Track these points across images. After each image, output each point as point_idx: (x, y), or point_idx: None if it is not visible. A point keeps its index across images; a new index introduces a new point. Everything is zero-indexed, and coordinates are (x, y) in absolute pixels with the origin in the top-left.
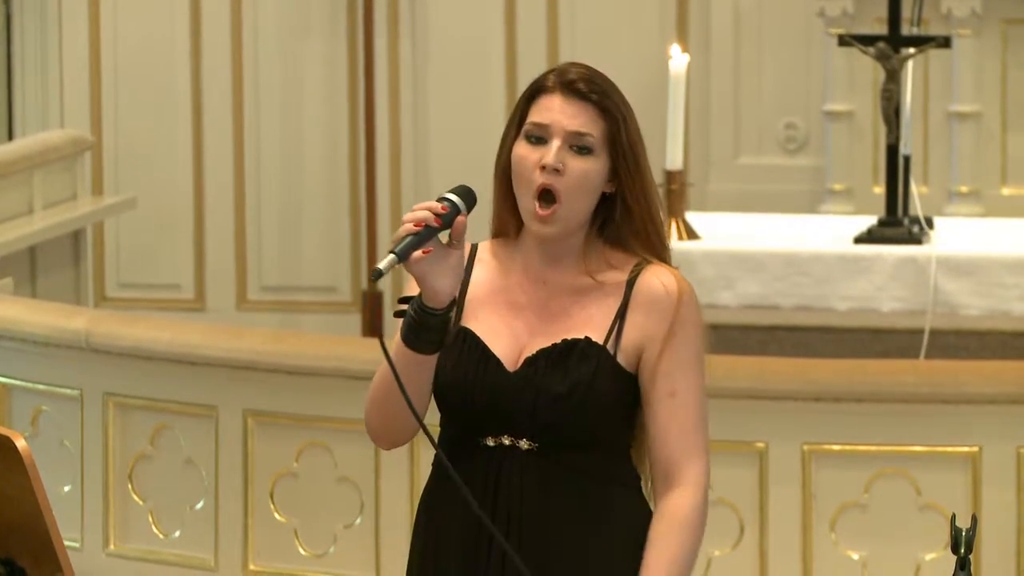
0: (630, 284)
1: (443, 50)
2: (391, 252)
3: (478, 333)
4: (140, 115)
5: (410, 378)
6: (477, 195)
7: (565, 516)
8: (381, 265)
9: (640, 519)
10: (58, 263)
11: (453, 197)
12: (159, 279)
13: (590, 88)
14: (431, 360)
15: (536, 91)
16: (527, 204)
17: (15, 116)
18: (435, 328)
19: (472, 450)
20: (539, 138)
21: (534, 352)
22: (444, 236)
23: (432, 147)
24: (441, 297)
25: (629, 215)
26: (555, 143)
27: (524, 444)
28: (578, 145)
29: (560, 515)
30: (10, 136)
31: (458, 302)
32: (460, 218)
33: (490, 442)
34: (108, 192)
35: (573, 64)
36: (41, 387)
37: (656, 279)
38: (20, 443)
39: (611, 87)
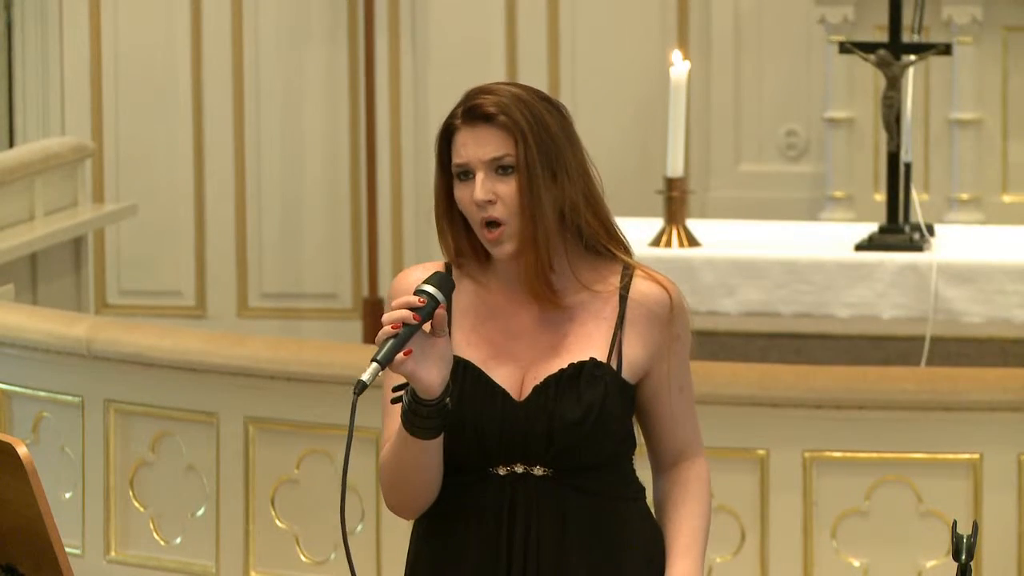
0: (623, 296)
1: (444, 55)
2: (373, 360)
3: (476, 362)
4: (141, 122)
5: (418, 460)
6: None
7: (581, 538)
8: (364, 377)
9: (651, 532)
10: (59, 270)
11: (430, 288)
12: (160, 286)
13: (492, 109)
14: (437, 443)
15: (448, 132)
16: (481, 237)
17: (16, 123)
18: (432, 416)
19: (483, 480)
20: (466, 174)
21: (542, 379)
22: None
23: (432, 153)
24: (434, 388)
25: (575, 219)
26: (479, 176)
27: (538, 470)
28: (500, 167)
29: (576, 537)
30: (11, 143)
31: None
32: (439, 311)
33: (501, 471)
34: (109, 199)
35: (476, 90)
36: (42, 394)
37: (649, 289)
38: (21, 450)
39: (513, 99)
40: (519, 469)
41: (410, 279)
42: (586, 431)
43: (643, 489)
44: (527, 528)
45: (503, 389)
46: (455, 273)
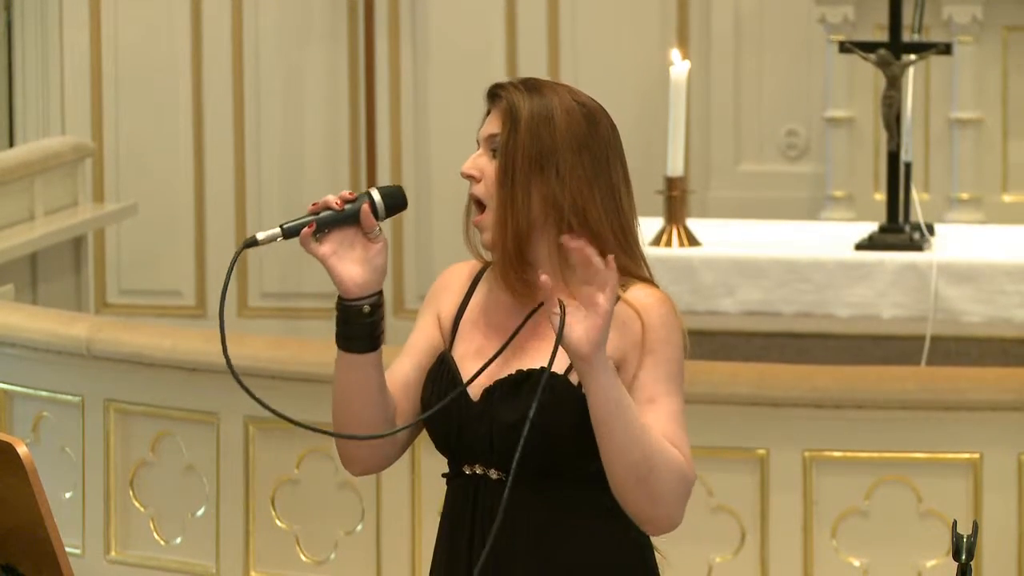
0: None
1: (444, 55)
2: (279, 225)
3: (462, 358)
4: (141, 122)
5: (347, 379)
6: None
7: (528, 549)
8: (260, 235)
9: (613, 549)
10: (59, 270)
11: (373, 191)
12: (160, 286)
13: (501, 91)
14: (366, 365)
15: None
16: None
17: (16, 122)
18: (352, 323)
19: (458, 476)
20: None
21: (492, 381)
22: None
23: (433, 152)
24: (348, 286)
25: (558, 222)
26: (476, 152)
27: (493, 474)
28: (492, 148)
29: (523, 548)
30: (11, 143)
31: (454, 324)
32: (365, 207)
33: (467, 470)
34: (109, 199)
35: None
36: (42, 393)
37: (630, 299)
38: (21, 449)
39: (532, 90)
40: (478, 470)
41: (452, 271)
42: (520, 438)
43: (617, 506)
44: (484, 530)
45: (464, 389)
46: (488, 272)
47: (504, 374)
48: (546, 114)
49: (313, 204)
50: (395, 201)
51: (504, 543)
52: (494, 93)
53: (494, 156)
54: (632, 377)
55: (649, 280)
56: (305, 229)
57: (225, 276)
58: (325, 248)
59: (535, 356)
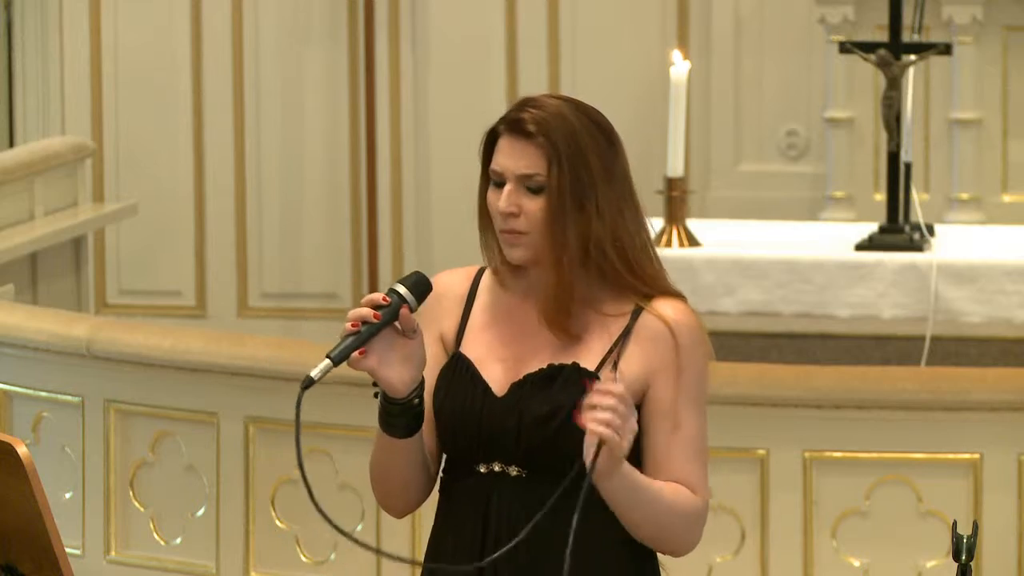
0: (634, 316)
1: (444, 56)
2: (327, 356)
3: (478, 358)
4: (141, 122)
5: (394, 458)
6: (431, 282)
7: (544, 550)
8: (313, 373)
9: (630, 555)
10: (59, 270)
11: (400, 288)
12: (160, 286)
13: (534, 127)
14: (411, 443)
15: (492, 137)
16: (499, 237)
17: (16, 123)
18: (400, 415)
19: (467, 476)
20: (500, 181)
21: (521, 376)
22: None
23: (433, 153)
24: (398, 388)
25: (598, 256)
26: (508, 187)
27: (513, 471)
28: (528, 186)
29: (546, 545)
30: (11, 143)
31: (458, 334)
32: (403, 310)
33: (482, 468)
34: (109, 199)
35: (527, 100)
36: (42, 394)
37: (660, 313)
38: (21, 450)
39: (559, 121)
40: (496, 468)
41: (444, 281)
42: (552, 431)
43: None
44: (499, 529)
45: (486, 385)
46: (489, 276)
47: (533, 368)
48: (578, 148)
49: (351, 324)
50: (422, 289)
51: (524, 544)
52: (525, 130)
53: (531, 192)
54: (663, 394)
55: (672, 291)
56: (355, 354)
57: (295, 424)
58: (372, 360)
59: (556, 353)
